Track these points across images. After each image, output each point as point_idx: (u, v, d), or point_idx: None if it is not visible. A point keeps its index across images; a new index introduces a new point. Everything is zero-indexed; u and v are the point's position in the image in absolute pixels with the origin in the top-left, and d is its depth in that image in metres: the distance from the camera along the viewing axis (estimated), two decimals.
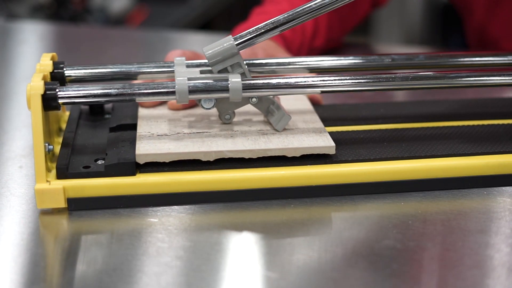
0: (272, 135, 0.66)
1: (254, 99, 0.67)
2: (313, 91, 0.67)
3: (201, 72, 0.67)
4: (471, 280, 0.53)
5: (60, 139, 0.68)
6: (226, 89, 0.64)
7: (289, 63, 0.72)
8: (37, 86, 0.61)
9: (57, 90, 0.63)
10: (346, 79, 0.66)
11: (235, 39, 0.66)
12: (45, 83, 0.62)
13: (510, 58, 0.74)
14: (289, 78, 0.66)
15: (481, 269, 0.55)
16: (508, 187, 0.66)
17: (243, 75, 0.66)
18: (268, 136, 0.66)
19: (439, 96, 0.86)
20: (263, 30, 0.66)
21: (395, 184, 0.65)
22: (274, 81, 0.66)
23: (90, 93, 0.64)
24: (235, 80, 0.64)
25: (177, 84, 0.64)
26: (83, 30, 1.47)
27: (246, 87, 0.65)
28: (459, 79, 0.68)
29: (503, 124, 0.72)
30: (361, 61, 0.73)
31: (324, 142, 0.65)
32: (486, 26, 1.10)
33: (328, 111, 0.75)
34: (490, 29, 1.10)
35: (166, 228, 0.60)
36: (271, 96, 0.67)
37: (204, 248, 0.57)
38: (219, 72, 0.66)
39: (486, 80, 0.68)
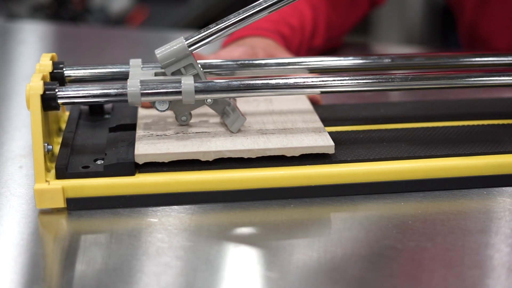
0: (272, 135, 0.66)
1: (209, 100, 0.66)
2: (312, 92, 0.67)
3: (156, 74, 0.67)
4: (471, 280, 0.53)
5: (60, 139, 0.68)
6: (178, 92, 0.64)
7: (288, 63, 0.72)
8: (37, 86, 0.61)
9: (56, 90, 0.63)
10: (345, 80, 0.66)
11: (187, 40, 0.65)
12: (45, 83, 0.62)
13: (510, 59, 0.74)
14: (288, 78, 0.66)
15: (481, 269, 0.55)
16: (508, 187, 0.66)
17: (196, 76, 0.66)
18: (267, 135, 0.66)
19: (438, 96, 0.86)
20: (214, 30, 0.65)
21: (395, 184, 0.65)
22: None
23: (89, 93, 0.64)
24: (187, 82, 0.64)
25: (129, 86, 0.63)
26: (83, 30, 1.47)
27: (199, 89, 0.64)
28: (459, 79, 0.67)
29: (503, 124, 0.72)
30: (360, 61, 0.73)
31: (323, 141, 0.65)
32: (476, 23, 1.10)
33: (328, 111, 0.75)
34: (480, 27, 1.10)
35: (166, 228, 0.60)
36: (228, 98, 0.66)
37: (204, 248, 0.57)
38: (173, 73, 0.66)
39: (486, 80, 0.68)
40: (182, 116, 0.68)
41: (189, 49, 0.65)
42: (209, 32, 0.66)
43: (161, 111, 0.65)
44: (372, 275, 0.55)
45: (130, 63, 0.69)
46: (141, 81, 0.64)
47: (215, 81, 0.65)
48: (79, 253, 0.57)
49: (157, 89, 0.64)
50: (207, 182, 0.63)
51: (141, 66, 0.69)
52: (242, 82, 0.65)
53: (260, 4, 0.65)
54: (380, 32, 2.42)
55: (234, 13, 0.66)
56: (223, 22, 0.66)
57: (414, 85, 0.67)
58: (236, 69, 0.72)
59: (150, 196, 0.63)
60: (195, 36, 0.66)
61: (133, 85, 0.63)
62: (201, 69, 0.66)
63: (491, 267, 0.55)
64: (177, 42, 0.65)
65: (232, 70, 0.72)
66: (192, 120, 0.69)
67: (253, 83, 0.65)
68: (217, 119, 0.70)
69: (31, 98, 0.61)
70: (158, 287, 0.53)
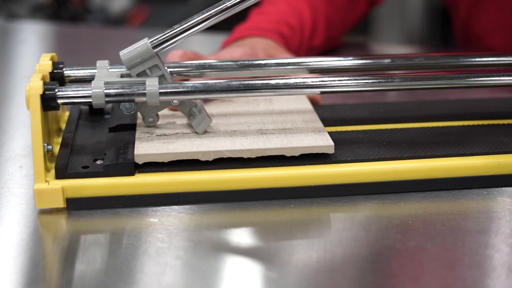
0: (271, 135, 0.66)
1: (175, 102, 0.66)
2: (312, 92, 0.67)
3: (122, 75, 0.67)
4: (471, 280, 0.53)
5: (60, 139, 0.68)
6: (143, 93, 0.64)
7: (288, 64, 0.72)
8: (36, 86, 0.61)
9: (56, 90, 0.63)
10: (345, 80, 0.66)
11: (151, 41, 0.65)
12: (44, 83, 0.62)
13: (509, 59, 0.74)
14: (288, 78, 0.66)
15: (481, 269, 0.55)
16: (508, 187, 0.66)
17: (162, 77, 0.66)
18: (267, 135, 0.66)
19: (438, 96, 0.86)
20: (178, 31, 0.65)
21: (394, 184, 0.65)
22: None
23: (89, 93, 0.64)
24: (152, 84, 0.64)
25: (93, 88, 0.63)
26: (83, 30, 1.47)
27: (164, 91, 0.64)
28: (458, 79, 0.67)
29: (503, 124, 0.72)
30: (360, 61, 0.73)
31: (323, 141, 0.65)
32: (471, 22, 1.11)
33: (328, 111, 0.75)
34: (474, 26, 1.10)
35: (166, 228, 0.60)
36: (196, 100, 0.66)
37: (204, 248, 0.57)
38: (138, 75, 0.66)
39: (486, 80, 0.68)
40: (149, 118, 0.67)
41: (154, 50, 0.65)
42: (173, 33, 0.65)
43: (127, 113, 0.65)
44: (372, 275, 0.55)
45: (97, 64, 0.69)
46: (106, 83, 0.63)
47: (211, 81, 0.65)
48: (79, 253, 0.57)
49: (121, 91, 0.63)
50: (207, 182, 0.63)
51: (108, 67, 0.68)
52: (242, 82, 0.65)
53: (224, 3, 0.65)
54: (380, 32, 2.42)
55: (198, 13, 0.65)
56: (187, 22, 0.65)
57: (413, 85, 0.67)
58: (236, 70, 0.72)
59: (149, 196, 0.63)
60: (159, 37, 0.65)
61: (97, 87, 0.63)
62: (167, 70, 0.66)
63: (491, 267, 0.55)
64: (141, 43, 0.65)
65: (232, 71, 0.72)
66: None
67: (253, 83, 0.65)
68: (216, 119, 0.70)
69: (30, 98, 0.61)
70: (158, 287, 0.53)
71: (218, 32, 1.21)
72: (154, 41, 0.65)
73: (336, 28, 1.03)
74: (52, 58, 0.70)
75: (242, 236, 0.60)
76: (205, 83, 0.65)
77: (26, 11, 2.05)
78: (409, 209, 0.63)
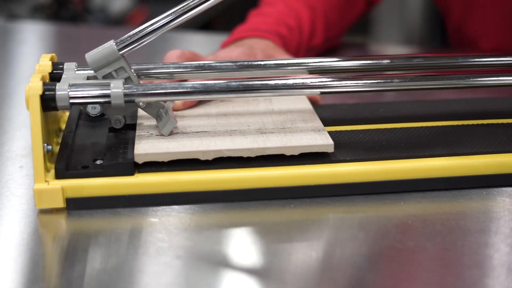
0: (271, 134, 0.66)
1: (141, 103, 0.66)
2: (312, 92, 0.67)
3: (88, 77, 0.66)
4: (471, 279, 0.53)
5: (59, 139, 0.68)
6: (107, 95, 0.63)
7: (288, 64, 0.72)
8: (36, 87, 0.61)
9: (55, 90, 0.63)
10: (345, 80, 0.66)
11: (117, 43, 0.65)
12: (44, 84, 0.62)
13: (509, 59, 0.74)
14: (287, 79, 0.66)
15: (481, 269, 0.55)
16: (507, 187, 0.66)
17: (128, 79, 0.66)
18: (266, 135, 0.66)
19: (438, 96, 0.86)
20: (144, 33, 0.65)
21: (394, 184, 0.65)
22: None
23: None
24: (116, 86, 0.63)
25: (57, 90, 0.62)
26: (83, 30, 1.47)
27: (129, 93, 0.64)
28: (458, 80, 0.68)
29: (502, 124, 0.72)
30: (359, 62, 0.73)
31: (322, 140, 0.65)
32: (463, 25, 1.11)
33: (327, 111, 0.75)
34: (466, 29, 1.11)
35: (166, 228, 0.60)
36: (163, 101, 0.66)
37: (204, 247, 0.57)
38: (104, 77, 0.66)
39: (485, 81, 0.68)
40: (116, 120, 0.67)
41: (120, 52, 0.65)
42: (139, 35, 0.65)
43: (93, 115, 0.65)
44: (371, 275, 0.55)
45: (64, 67, 0.69)
46: (70, 85, 0.63)
47: (211, 82, 0.65)
48: (79, 253, 0.57)
49: (86, 93, 0.63)
50: (207, 182, 0.63)
51: (75, 69, 0.68)
52: (241, 83, 0.65)
53: (188, 4, 0.65)
54: (379, 32, 2.42)
55: (163, 14, 0.65)
56: (153, 24, 0.65)
57: (413, 86, 0.67)
58: (235, 70, 0.72)
59: (149, 196, 0.63)
60: (124, 39, 0.65)
61: (61, 89, 0.63)
62: (133, 72, 0.66)
63: (490, 267, 0.55)
64: (107, 45, 0.65)
65: (232, 71, 0.72)
66: (192, 120, 0.69)
67: (252, 84, 0.65)
68: (216, 119, 0.70)
69: (30, 98, 0.61)
70: (158, 287, 0.53)
71: (218, 32, 1.21)
72: (119, 43, 0.65)
73: (335, 27, 1.03)
74: (52, 59, 0.70)
75: (242, 236, 0.60)
76: (205, 84, 0.65)
77: (26, 11, 2.05)
78: (409, 209, 0.63)
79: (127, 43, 0.65)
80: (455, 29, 1.14)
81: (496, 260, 0.56)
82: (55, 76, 0.69)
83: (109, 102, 0.63)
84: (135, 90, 0.64)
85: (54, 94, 0.62)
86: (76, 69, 0.68)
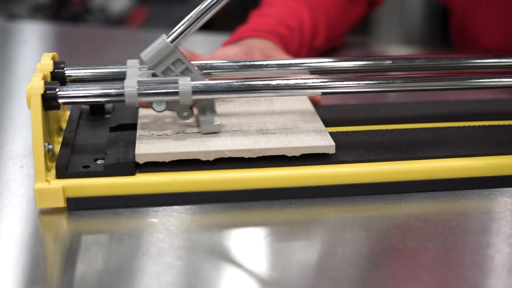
0: (272, 135, 0.66)
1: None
2: (313, 93, 0.67)
3: (153, 74, 0.67)
4: (472, 280, 0.53)
5: (60, 139, 0.68)
6: (176, 92, 0.64)
7: (289, 65, 0.72)
8: (37, 86, 0.61)
9: (57, 89, 0.63)
10: (346, 81, 0.66)
11: (168, 36, 0.65)
12: (45, 83, 0.62)
13: (510, 61, 0.74)
14: (289, 79, 0.66)
15: (482, 269, 0.55)
16: (509, 188, 0.66)
17: (186, 70, 0.66)
18: (268, 135, 0.66)
19: (439, 97, 0.86)
20: (191, 20, 0.65)
21: (395, 185, 0.65)
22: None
23: (90, 93, 0.64)
24: (184, 83, 0.64)
25: (126, 87, 0.63)
26: (83, 30, 1.47)
27: (197, 90, 0.64)
28: (459, 81, 0.68)
29: (504, 125, 0.72)
30: (361, 63, 0.73)
31: (324, 141, 0.65)
32: (466, 23, 1.11)
33: (329, 112, 0.75)
34: (469, 26, 1.11)
35: (167, 228, 0.60)
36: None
37: (204, 248, 0.57)
38: (163, 72, 0.66)
39: (487, 82, 0.68)
40: (184, 112, 0.67)
41: (172, 44, 0.65)
42: (187, 23, 0.66)
43: (158, 111, 0.65)
44: (373, 275, 0.55)
45: (128, 64, 0.69)
46: (139, 82, 0.64)
47: (212, 82, 0.65)
48: (79, 253, 0.57)
49: (155, 90, 0.63)
50: (208, 182, 0.63)
51: (139, 66, 0.69)
52: (243, 83, 0.65)
53: None
54: (380, 32, 2.42)
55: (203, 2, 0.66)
56: (197, 11, 0.66)
57: (415, 87, 0.67)
58: (236, 70, 0.71)
59: (150, 196, 0.63)
60: (174, 30, 0.66)
61: (130, 86, 0.63)
62: (190, 63, 0.66)
63: (492, 267, 0.55)
64: (159, 40, 0.65)
65: (233, 71, 0.71)
66: (192, 120, 0.69)
67: (254, 84, 0.65)
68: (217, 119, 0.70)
69: (31, 97, 0.61)
70: (159, 287, 0.53)
71: (218, 32, 1.21)
72: (171, 35, 0.65)
73: (337, 28, 1.03)
74: (53, 58, 0.70)
75: (243, 236, 0.60)
76: (206, 84, 0.65)
77: (26, 11, 2.05)
78: (410, 209, 0.63)
79: (177, 34, 0.65)
80: (457, 25, 1.14)
81: (497, 261, 0.56)
82: (56, 75, 0.69)
83: (177, 99, 0.64)
84: (204, 87, 0.64)
85: (55, 93, 0.62)
86: (139, 67, 0.68)
